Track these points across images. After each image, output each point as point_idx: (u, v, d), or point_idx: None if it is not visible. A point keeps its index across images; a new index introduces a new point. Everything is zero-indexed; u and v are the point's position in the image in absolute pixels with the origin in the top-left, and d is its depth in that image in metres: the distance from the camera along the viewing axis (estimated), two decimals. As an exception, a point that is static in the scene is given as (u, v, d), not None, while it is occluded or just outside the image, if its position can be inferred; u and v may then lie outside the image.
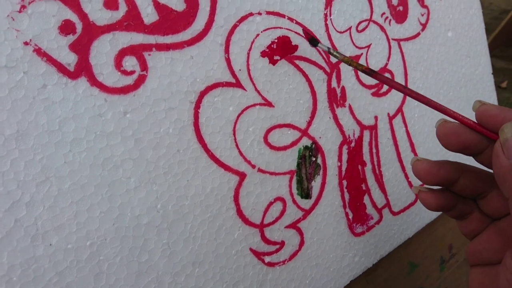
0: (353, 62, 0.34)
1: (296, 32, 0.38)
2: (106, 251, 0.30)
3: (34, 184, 0.27)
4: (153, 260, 0.32)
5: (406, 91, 0.30)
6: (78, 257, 0.28)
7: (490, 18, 2.77)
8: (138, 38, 0.30)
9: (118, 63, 0.30)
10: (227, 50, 0.34)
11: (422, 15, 0.50)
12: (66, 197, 0.28)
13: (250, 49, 0.36)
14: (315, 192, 0.40)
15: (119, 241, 0.30)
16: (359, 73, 0.44)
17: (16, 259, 0.26)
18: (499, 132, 0.26)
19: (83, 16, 0.28)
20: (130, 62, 0.30)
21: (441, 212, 0.53)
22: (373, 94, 0.45)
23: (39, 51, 0.27)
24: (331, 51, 0.36)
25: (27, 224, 0.27)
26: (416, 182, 0.50)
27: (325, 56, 0.40)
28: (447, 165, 0.30)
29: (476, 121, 0.28)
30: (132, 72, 0.30)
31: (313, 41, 0.37)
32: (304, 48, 0.39)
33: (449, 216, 0.32)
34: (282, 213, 0.38)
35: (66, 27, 0.28)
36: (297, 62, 0.39)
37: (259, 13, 0.36)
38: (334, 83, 0.41)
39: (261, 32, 0.36)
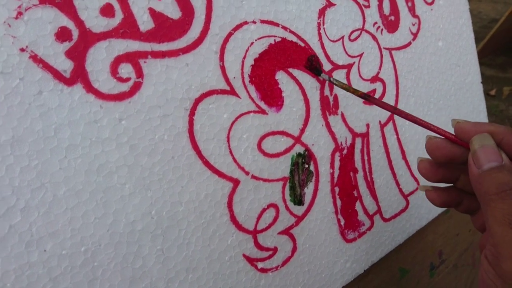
0: (350, 88, 0.37)
1: (290, 41, 0.39)
2: (101, 257, 0.30)
3: (29, 190, 0.27)
4: (147, 266, 0.32)
5: (396, 112, 0.33)
6: (73, 263, 0.29)
7: (480, 26, 2.81)
8: (134, 45, 0.31)
9: (113, 70, 0.30)
10: (222, 58, 0.35)
11: (413, 24, 0.51)
12: (61, 203, 0.28)
13: (244, 57, 0.36)
14: (307, 199, 0.41)
15: (113, 247, 0.30)
16: (352, 81, 0.44)
17: (10, 265, 0.26)
18: (469, 144, 0.29)
19: (79, 23, 0.29)
20: (125, 69, 0.30)
21: (432, 219, 0.54)
22: (365, 103, 0.46)
23: (35, 58, 0.27)
24: (331, 80, 0.38)
25: (21, 230, 0.27)
26: (407, 188, 0.51)
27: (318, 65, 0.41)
28: (447, 164, 0.33)
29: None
30: (127, 79, 0.31)
31: (316, 70, 0.39)
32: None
33: (459, 211, 0.35)
34: (275, 219, 0.39)
35: (62, 34, 0.28)
36: (290, 70, 0.39)
37: (254, 22, 0.37)
38: (327, 91, 0.42)
39: (256, 40, 0.37)
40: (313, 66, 0.39)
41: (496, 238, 0.26)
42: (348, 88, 0.37)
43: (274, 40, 0.38)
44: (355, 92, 0.37)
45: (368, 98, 0.36)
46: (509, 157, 0.28)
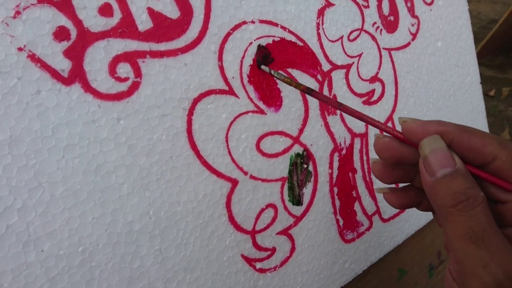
0: (293, 82, 0.35)
1: (289, 41, 0.39)
2: (98, 257, 0.30)
3: (26, 190, 0.27)
4: (145, 266, 0.32)
5: (341, 108, 0.31)
6: (70, 263, 0.28)
7: (479, 27, 2.82)
8: (132, 45, 0.31)
9: (112, 70, 0.30)
10: (220, 58, 0.35)
11: (413, 25, 0.51)
12: (58, 203, 0.28)
13: (243, 57, 0.36)
14: (306, 199, 0.41)
15: (111, 247, 0.30)
16: (351, 81, 0.44)
17: (7, 265, 0.26)
18: (419, 149, 0.27)
19: (77, 22, 0.28)
20: (124, 69, 0.30)
21: (430, 219, 0.54)
22: (364, 102, 0.46)
23: (33, 57, 0.27)
24: (272, 72, 0.36)
25: (18, 230, 0.27)
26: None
27: (317, 65, 0.41)
28: (401, 165, 0.30)
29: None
30: (126, 79, 0.30)
31: (258, 62, 0.37)
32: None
33: (420, 210, 0.32)
34: (274, 219, 0.39)
35: (60, 33, 0.28)
36: (289, 70, 0.39)
37: (253, 22, 0.37)
38: (326, 91, 0.42)
39: (254, 40, 0.37)
40: (257, 59, 0.37)
41: (459, 254, 0.25)
42: (291, 81, 0.35)
43: (273, 40, 0.38)
44: (297, 86, 0.34)
45: (311, 92, 0.33)
46: (461, 159, 0.26)
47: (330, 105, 0.32)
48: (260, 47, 0.37)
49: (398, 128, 0.29)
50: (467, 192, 0.24)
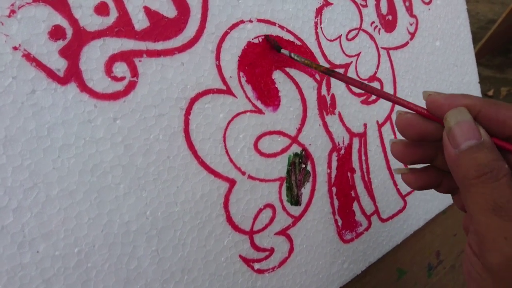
0: (313, 64, 0.35)
1: (287, 40, 0.39)
2: (94, 258, 0.29)
3: (21, 190, 0.27)
4: (142, 267, 0.31)
5: (364, 88, 0.31)
6: (66, 264, 0.28)
7: (477, 27, 2.82)
8: (128, 44, 0.30)
9: (108, 69, 0.30)
10: (218, 57, 0.35)
11: (411, 24, 0.51)
12: (54, 203, 0.28)
13: (241, 56, 0.36)
14: (304, 199, 0.41)
15: (107, 248, 0.30)
16: (349, 81, 0.44)
17: (2, 266, 0.26)
18: (443, 121, 0.26)
19: (73, 21, 0.28)
20: (120, 68, 0.30)
21: (429, 219, 0.54)
22: (363, 102, 0.45)
23: (28, 56, 0.27)
24: (292, 55, 0.36)
25: (13, 231, 0.26)
26: (405, 188, 0.51)
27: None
28: (423, 144, 0.30)
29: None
30: (122, 78, 0.30)
31: (277, 47, 0.37)
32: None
33: (439, 192, 0.32)
34: (272, 219, 0.38)
35: (56, 32, 0.28)
36: (287, 69, 0.39)
37: (250, 21, 0.36)
38: (324, 91, 0.42)
39: (252, 39, 0.36)
40: (274, 44, 0.37)
41: (480, 227, 0.24)
42: (311, 63, 0.35)
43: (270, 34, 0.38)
44: (317, 67, 0.34)
45: (332, 73, 0.33)
46: (488, 132, 0.25)
47: (353, 85, 0.31)
48: (268, 36, 0.37)
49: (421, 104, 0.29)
50: (491, 164, 0.24)
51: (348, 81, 0.32)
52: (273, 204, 0.38)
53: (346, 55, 0.44)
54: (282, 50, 0.37)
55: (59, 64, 0.28)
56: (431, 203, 0.54)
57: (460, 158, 0.25)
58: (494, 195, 0.23)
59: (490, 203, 0.23)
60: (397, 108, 0.49)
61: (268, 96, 0.38)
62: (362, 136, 0.46)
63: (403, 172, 0.31)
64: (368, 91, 0.30)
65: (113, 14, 0.30)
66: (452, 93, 0.27)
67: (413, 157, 0.30)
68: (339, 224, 0.44)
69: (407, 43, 0.51)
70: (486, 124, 0.25)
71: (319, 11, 0.41)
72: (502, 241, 0.23)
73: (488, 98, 0.26)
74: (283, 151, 0.39)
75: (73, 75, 0.28)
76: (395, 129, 0.49)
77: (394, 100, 0.29)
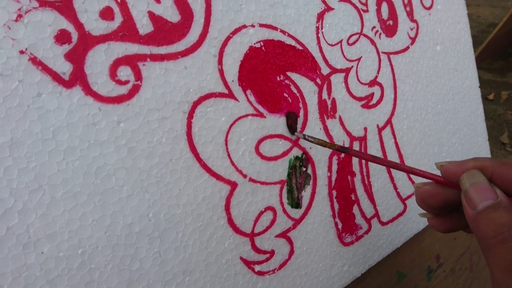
0: (327, 143, 0.36)
1: (289, 44, 0.39)
2: (98, 259, 0.30)
3: (27, 192, 0.27)
4: (144, 269, 0.32)
5: (377, 161, 0.32)
6: (70, 265, 0.29)
7: (478, 31, 2.82)
8: (133, 48, 0.31)
9: (112, 73, 0.30)
10: (220, 61, 0.35)
11: (412, 29, 0.51)
12: (58, 205, 0.28)
13: (243, 61, 0.36)
14: (305, 202, 0.41)
15: (110, 249, 0.30)
16: (350, 85, 0.44)
17: (7, 266, 0.26)
18: (459, 184, 0.27)
19: (79, 26, 0.29)
20: (124, 72, 0.31)
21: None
22: (363, 106, 0.46)
23: (34, 60, 0.27)
24: (307, 137, 0.38)
25: (19, 232, 0.27)
26: (405, 192, 0.51)
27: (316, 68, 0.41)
28: (447, 208, 0.30)
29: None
30: (126, 82, 0.31)
31: (291, 129, 0.39)
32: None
33: (468, 232, 0.32)
34: (273, 222, 0.39)
35: (62, 37, 0.28)
36: (288, 73, 0.39)
37: (252, 26, 0.37)
38: (325, 95, 0.42)
39: (254, 44, 0.37)
40: (290, 124, 0.38)
41: (500, 285, 0.24)
42: (325, 143, 0.36)
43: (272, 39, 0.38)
44: (331, 146, 0.36)
45: (345, 150, 0.35)
46: (504, 192, 0.26)
47: (365, 159, 0.32)
48: (289, 116, 0.38)
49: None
50: (509, 223, 0.24)
51: (362, 157, 0.33)
52: (273, 207, 0.39)
53: (347, 60, 0.44)
54: (296, 133, 0.39)
55: (64, 68, 0.28)
56: (431, 206, 0.54)
57: (478, 218, 0.25)
58: None
59: (509, 263, 0.24)
60: (398, 113, 0.49)
61: (270, 100, 0.38)
62: (363, 140, 0.46)
63: (429, 216, 0.32)
64: (382, 163, 0.31)
65: (118, 19, 0.30)
66: (463, 160, 0.27)
67: (450, 226, 0.31)
68: (339, 227, 0.44)
69: (407, 47, 0.51)
70: (502, 184, 0.26)
71: (320, 16, 0.42)
72: None
73: (498, 159, 0.27)
74: (284, 154, 0.39)
75: (78, 78, 0.29)
76: (395, 133, 0.49)
77: (409, 170, 0.30)
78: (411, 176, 0.51)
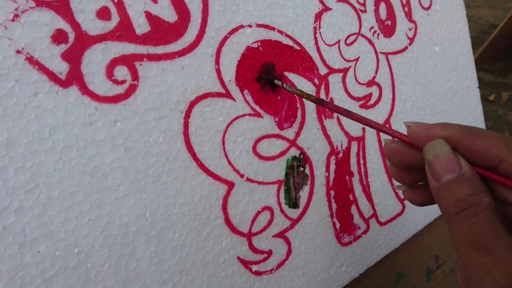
0: (303, 93, 0.35)
1: (286, 45, 0.39)
2: (94, 259, 0.30)
3: (23, 191, 0.27)
4: (140, 268, 0.32)
5: (350, 116, 0.31)
6: (66, 264, 0.29)
7: (479, 32, 2.82)
8: (129, 48, 0.31)
9: (109, 73, 0.30)
10: (217, 61, 0.35)
11: (410, 29, 0.51)
12: (55, 204, 0.28)
13: (240, 61, 0.36)
14: (302, 202, 0.41)
15: (107, 249, 0.30)
16: (348, 85, 0.44)
17: (3, 266, 0.26)
18: (423, 154, 0.26)
19: (75, 25, 0.29)
20: (121, 72, 0.31)
21: (428, 223, 0.54)
22: (361, 106, 0.46)
23: (31, 60, 0.27)
24: (284, 85, 0.37)
25: (15, 231, 0.27)
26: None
27: (314, 68, 0.41)
28: (412, 169, 0.29)
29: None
30: (123, 82, 0.31)
31: (271, 78, 0.38)
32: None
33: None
34: (270, 222, 0.39)
35: (58, 36, 0.28)
36: (286, 73, 0.39)
37: (250, 26, 0.37)
38: (322, 95, 0.42)
39: (251, 44, 0.37)
40: (269, 72, 0.38)
41: (464, 261, 0.24)
42: (302, 93, 0.36)
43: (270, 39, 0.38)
44: (308, 97, 0.35)
45: (321, 102, 0.34)
46: (469, 161, 0.25)
47: (339, 113, 0.32)
48: (264, 65, 0.37)
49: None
50: (469, 199, 0.24)
51: (336, 110, 0.32)
52: (271, 207, 0.39)
53: (345, 60, 0.44)
54: (276, 81, 0.38)
55: (61, 67, 0.28)
56: (430, 207, 0.54)
57: (440, 192, 0.25)
58: (473, 230, 0.23)
59: (471, 239, 0.23)
60: (396, 113, 0.49)
61: (267, 100, 0.38)
62: (361, 139, 0.46)
63: (403, 188, 0.31)
64: (354, 119, 0.31)
65: (115, 19, 0.30)
66: (432, 124, 0.26)
67: (409, 179, 0.30)
68: (337, 227, 0.44)
69: (406, 48, 0.51)
70: (467, 154, 0.25)
71: (318, 16, 0.42)
72: (484, 277, 0.23)
73: (467, 125, 0.26)
74: (282, 154, 0.39)
75: (74, 78, 0.29)
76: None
77: (378, 128, 0.29)
78: None
